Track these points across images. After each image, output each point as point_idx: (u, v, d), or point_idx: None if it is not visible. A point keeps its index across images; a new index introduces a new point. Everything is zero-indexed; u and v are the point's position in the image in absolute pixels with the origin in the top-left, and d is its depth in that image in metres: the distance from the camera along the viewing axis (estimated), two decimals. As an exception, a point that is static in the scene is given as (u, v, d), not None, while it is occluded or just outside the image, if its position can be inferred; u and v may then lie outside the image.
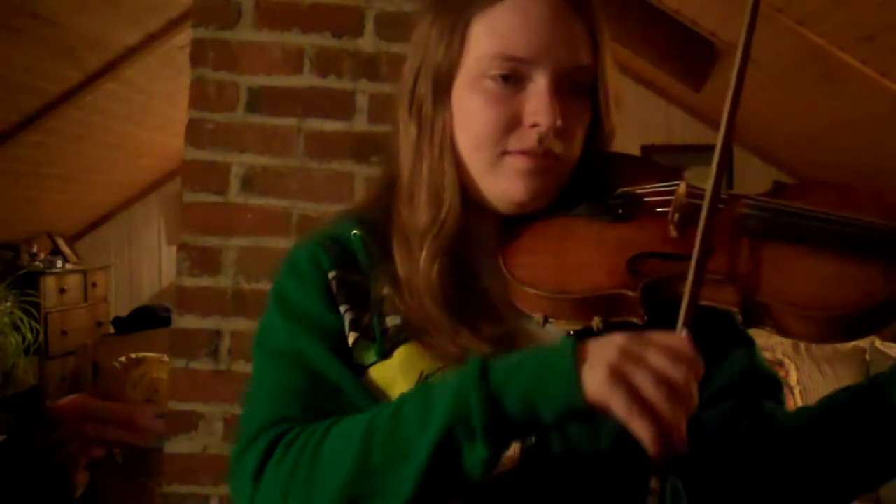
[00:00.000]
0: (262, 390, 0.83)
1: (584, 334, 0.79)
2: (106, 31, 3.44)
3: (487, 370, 0.67)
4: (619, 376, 0.63)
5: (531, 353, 0.69)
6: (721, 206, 0.77)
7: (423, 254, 0.82)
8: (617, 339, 0.66)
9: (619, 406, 0.63)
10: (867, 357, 3.48)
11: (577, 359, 0.65)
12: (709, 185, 0.75)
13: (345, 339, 0.82)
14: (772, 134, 3.76)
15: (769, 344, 3.37)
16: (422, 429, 0.68)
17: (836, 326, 0.72)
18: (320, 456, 0.71)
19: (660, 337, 0.66)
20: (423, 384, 0.73)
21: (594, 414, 0.65)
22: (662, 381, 0.63)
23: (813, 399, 3.15)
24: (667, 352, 0.64)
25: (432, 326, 0.80)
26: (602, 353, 0.65)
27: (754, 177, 4.23)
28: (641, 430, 0.62)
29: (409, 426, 0.69)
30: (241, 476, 0.75)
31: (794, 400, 3.27)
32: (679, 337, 0.67)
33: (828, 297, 0.72)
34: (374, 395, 0.81)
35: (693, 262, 0.72)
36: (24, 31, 3.04)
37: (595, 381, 0.64)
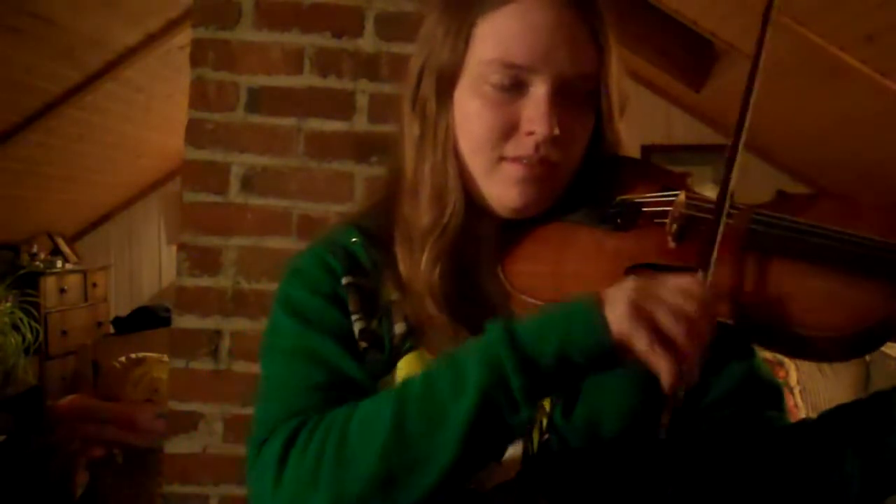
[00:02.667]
0: (274, 387, 0.80)
1: None
2: (106, 31, 3.44)
3: (514, 334, 0.68)
4: (639, 312, 0.65)
5: (552, 310, 0.70)
6: (729, 220, 0.76)
7: (425, 255, 0.81)
8: (632, 281, 0.68)
9: (640, 340, 0.65)
10: (867, 358, 3.48)
11: (598, 303, 0.67)
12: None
13: (356, 342, 0.81)
14: (771, 134, 3.76)
15: (769, 344, 3.36)
16: (457, 397, 0.67)
17: (830, 346, 0.70)
18: (349, 432, 0.70)
19: (672, 277, 0.69)
20: (446, 355, 0.72)
21: (618, 358, 0.66)
22: (678, 315, 0.65)
23: (813, 399, 3.16)
24: (680, 289, 0.67)
25: (432, 327, 0.79)
26: (621, 293, 0.67)
27: (753, 176, 4.23)
28: (660, 362, 0.64)
29: (443, 394, 0.68)
30: (263, 465, 0.73)
31: (795, 400, 3.27)
32: (690, 277, 0.69)
33: (824, 316, 0.70)
34: None
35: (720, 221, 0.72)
36: (24, 31, 3.04)
37: (617, 319, 0.65)
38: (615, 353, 0.66)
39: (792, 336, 0.71)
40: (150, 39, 3.73)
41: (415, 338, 0.81)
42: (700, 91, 3.84)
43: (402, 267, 0.83)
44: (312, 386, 0.77)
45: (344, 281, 0.83)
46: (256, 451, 0.75)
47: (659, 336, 0.64)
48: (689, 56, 3.70)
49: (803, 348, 0.71)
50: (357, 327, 0.81)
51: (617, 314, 0.65)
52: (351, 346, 0.80)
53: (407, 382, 0.72)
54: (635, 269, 0.77)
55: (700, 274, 0.71)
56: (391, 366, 0.81)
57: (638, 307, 0.65)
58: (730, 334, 0.73)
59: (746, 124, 0.77)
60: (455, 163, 0.82)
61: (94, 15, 3.24)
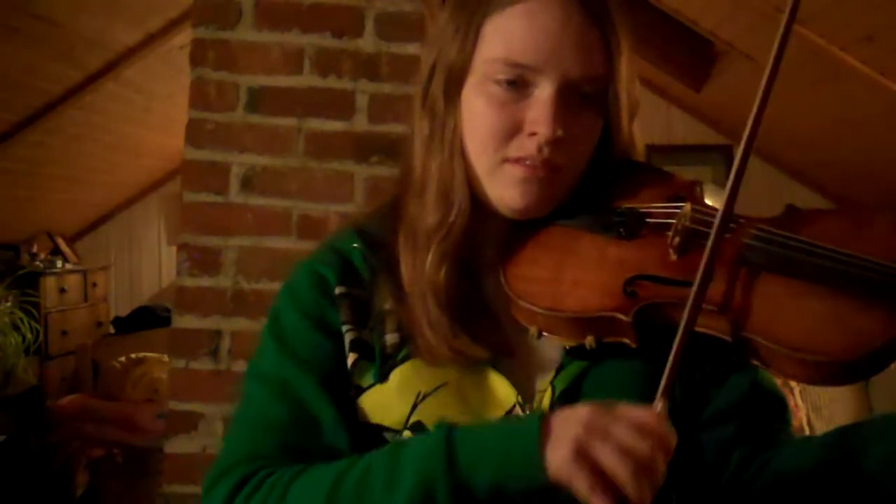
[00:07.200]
0: (244, 418, 0.84)
1: (578, 350, 0.79)
2: (106, 31, 3.43)
3: (453, 451, 0.67)
4: (582, 453, 0.63)
5: (497, 430, 0.70)
6: (726, 233, 0.74)
7: (430, 256, 0.81)
8: (583, 413, 0.65)
9: (581, 484, 0.62)
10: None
11: (542, 436, 0.65)
12: (709, 242, 0.71)
13: (338, 366, 0.82)
14: (772, 134, 3.76)
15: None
16: (386, 498, 0.69)
17: (827, 371, 0.68)
18: (287, 498, 0.73)
19: (628, 410, 0.65)
20: (393, 445, 0.74)
21: (558, 490, 0.64)
22: (627, 455, 0.62)
23: (813, 399, 3.16)
24: (633, 425, 0.63)
25: (431, 327, 0.79)
26: (567, 429, 0.64)
27: (754, 177, 4.22)
28: None
29: (374, 492, 0.70)
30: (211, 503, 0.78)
31: (795, 400, 3.27)
32: (648, 411, 0.66)
33: (820, 340, 0.68)
34: (367, 418, 0.81)
35: (686, 311, 0.69)
36: (24, 31, 3.04)
37: (558, 460, 0.64)
38: (553, 488, 0.64)
39: (788, 358, 0.69)
40: (150, 39, 3.73)
41: (409, 347, 0.81)
42: (700, 91, 3.84)
43: (404, 268, 0.83)
44: (276, 426, 0.80)
45: (337, 291, 0.84)
46: (210, 487, 0.80)
47: (602, 479, 0.62)
48: (689, 56, 3.70)
49: (801, 371, 0.69)
50: (348, 338, 0.82)
51: (558, 455, 0.63)
52: (327, 374, 0.81)
53: (348, 466, 0.73)
54: (634, 281, 0.76)
55: (660, 405, 0.67)
56: (384, 378, 0.81)
57: (582, 450, 0.63)
58: (726, 351, 0.72)
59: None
60: (462, 162, 0.82)
61: (94, 15, 3.24)
